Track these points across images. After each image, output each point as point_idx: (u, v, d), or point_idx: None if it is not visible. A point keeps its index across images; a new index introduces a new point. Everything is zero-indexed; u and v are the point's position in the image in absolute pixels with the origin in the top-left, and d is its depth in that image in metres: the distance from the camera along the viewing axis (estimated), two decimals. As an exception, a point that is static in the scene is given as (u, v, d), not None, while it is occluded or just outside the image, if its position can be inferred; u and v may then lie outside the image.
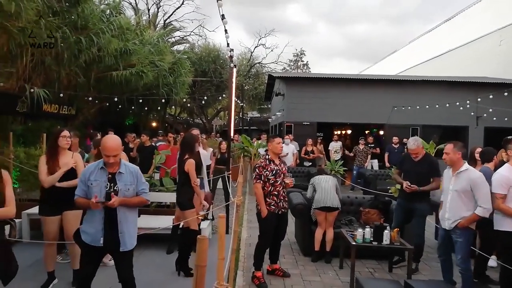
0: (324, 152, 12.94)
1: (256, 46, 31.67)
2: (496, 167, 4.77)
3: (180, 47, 27.48)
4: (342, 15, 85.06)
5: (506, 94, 11.11)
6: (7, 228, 3.18)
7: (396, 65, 28.66)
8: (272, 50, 41.19)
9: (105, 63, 11.81)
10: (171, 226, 5.26)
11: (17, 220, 3.67)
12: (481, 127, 14.29)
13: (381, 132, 16.08)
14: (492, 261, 5.32)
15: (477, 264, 4.69)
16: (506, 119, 13.19)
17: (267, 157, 4.72)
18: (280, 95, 16.23)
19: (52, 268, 4.15)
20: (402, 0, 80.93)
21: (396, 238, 4.71)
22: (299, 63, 44.49)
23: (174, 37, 27.70)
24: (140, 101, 14.15)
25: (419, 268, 5.20)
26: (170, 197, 5.95)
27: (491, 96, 11.74)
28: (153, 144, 9.02)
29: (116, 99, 13.00)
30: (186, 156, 4.63)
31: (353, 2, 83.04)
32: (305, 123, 14.48)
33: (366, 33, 79.21)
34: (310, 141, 12.30)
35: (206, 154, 5.57)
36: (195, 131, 5.46)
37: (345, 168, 11.63)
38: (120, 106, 14.79)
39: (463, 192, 4.01)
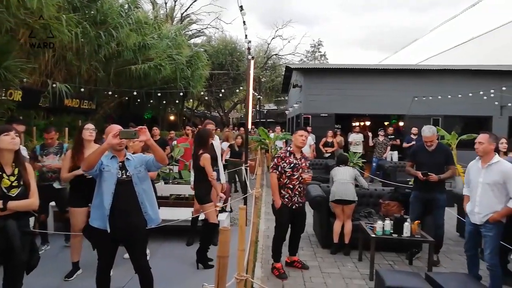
0: (343, 144, 12.81)
1: (273, 38, 31.52)
2: None
3: (197, 40, 27.58)
4: (360, 3, 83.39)
5: (532, 82, 10.74)
6: (31, 220, 3.27)
7: (417, 54, 27.97)
8: (289, 42, 40.99)
9: (124, 57, 11.96)
10: (191, 218, 5.33)
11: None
12: (505, 117, 13.86)
13: (401, 123, 15.80)
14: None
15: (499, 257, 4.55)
16: (532, 108, 12.77)
17: (288, 149, 4.71)
18: (298, 87, 16.12)
19: (77, 259, 4.28)
20: (422, -13, 78.69)
21: (417, 230, 4.65)
22: (316, 54, 43.92)
23: (191, 30, 27.81)
24: (158, 94, 14.29)
25: (440, 261, 5.12)
26: (188, 189, 6.01)
27: (516, 85, 11.37)
28: (163, 137, 9.14)
29: (135, 93, 13.16)
30: (201, 151, 4.66)
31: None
32: (323, 114, 14.36)
33: (386, 22, 77.54)
34: (330, 133, 12.21)
35: (218, 146, 5.58)
36: (210, 126, 5.47)
37: (364, 160, 11.50)
38: (138, 100, 14.98)
39: (495, 185, 3.87)
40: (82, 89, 11.42)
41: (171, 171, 6.99)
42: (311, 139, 11.74)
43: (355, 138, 12.53)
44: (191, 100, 25.64)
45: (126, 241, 3.22)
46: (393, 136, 12.38)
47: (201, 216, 4.93)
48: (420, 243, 5.20)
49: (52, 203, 5.34)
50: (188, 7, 28.11)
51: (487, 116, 13.97)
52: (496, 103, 13.49)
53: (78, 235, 4.11)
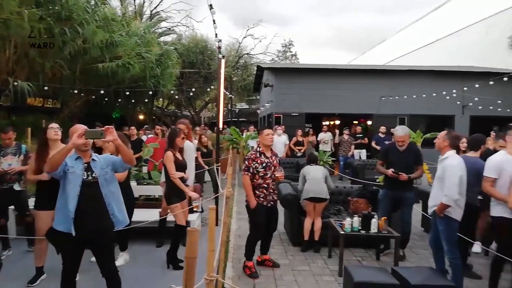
0: (316, 143, 13.01)
1: (245, 37, 31.58)
2: (483, 155, 4.85)
3: (167, 38, 27.15)
4: (330, 4, 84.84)
5: (491, 83, 11.26)
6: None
7: (384, 55, 28.79)
8: (260, 41, 41.04)
9: (91, 55, 11.62)
10: (159, 220, 5.25)
11: None
12: (466, 116, 14.50)
13: (369, 122, 16.20)
14: (477, 247, 5.45)
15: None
16: (491, 107, 13.39)
17: (257, 149, 4.72)
18: (269, 86, 16.19)
19: (41, 264, 4.13)
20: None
21: (383, 226, 4.79)
22: (287, 54, 44.32)
23: (160, 28, 27.35)
24: (127, 93, 13.98)
25: (406, 255, 5.30)
26: (158, 190, 5.92)
27: (477, 85, 11.88)
28: (140, 137, 8.95)
29: (102, 91, 12.82)
30: (166, 149, 4.61)
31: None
32: (294, 114, 14.51)
33: (354, 23, 79.25)
34: (299, 132, 12.37)
35: (192, 146, 5.52)
36: (181, 125, 5.40)
37: (334, 159, 11.73)
38: (106, 99, 14.61)
39: (440, 179, 4.09)
40: (46, 88, 11.01)
41: (140, 171, 6.86)
42: (285, 138, 11.86)
43: (323, 137, 12.78)
44: (161, 99, 25.23)
45: (93, 244, 3.14)
46: (361, 135, 12.69)
47: (171, 217, 4.86)
48: (387, 239, 5.35)
49: (11, 207, 5.12)
50: (158, 4, 27.52)
51: (450, 115, 14.56)
52: (458, 102, 14.08)
53: (43, 239, 3.96)
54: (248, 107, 33.85)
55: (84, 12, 11.30)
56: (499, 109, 13.14)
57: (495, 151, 4.89)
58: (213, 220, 2.39)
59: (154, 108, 23.91)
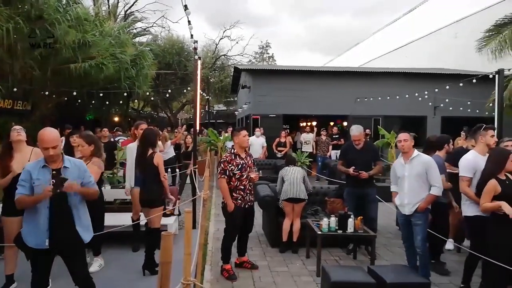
0: (293, 144, 13.14)
1: (221, 38, 31.37)
2: (455, 154, 5.01)
3: (143, 39, 26.74)
4: (306, 7, 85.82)
5: (461, 84, 11.63)
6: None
7: (359, 57, 29.34)
8: (237, 42, 41.09)
9: (63, 55, 11.29)
10: (132, 224, 5.14)
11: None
12: (438, 117, 14.95)
13: (345, 123, 16.45)
14: (450, 244, 5.61)
15: (432, 247, 4.87)
16: (461, 108, 13.85)
17: (232, 151, 4.70)
18: (246, 88, 16.21)
19: (12, 271, 3.97)
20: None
21: (360, 225, 4.86)
22: (264, 56, 44.50)
23: (135, 29, 26.90)
24: (101, 95, 13.66)
25: (381, 254, 5.39)
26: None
27: (447, 87, 12.26)
28: (112, 139, 8.77)
29: (74, 93, 12.48)
30: (151, 151, 4.51)
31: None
32: (272, 115, 14.57)
33: (330, 25, 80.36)
34: (283, 133, 12.47)
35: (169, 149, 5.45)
36: (143, 126, 5.31)
37: (311, 159, 11.84)
38: (79, 101, 14.22)
39: (419, 176, 4.22)
40: (15, 89, 10.61)
41: (115, 174, 6.71)
42: (263, 140, 11.89)
43: (306, 137, 12.93)
44: (136, 100, 24.82)
45: (63, 254, 3.04)
46: (337, 136, 12.87)
47: (144, 221, 4.76)
48: (364, 237, 5.43)
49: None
50: (132, 5, 27.03)
51: (422, 116, 14.98)
52: (430, 103, 14.50)
53: (12, 246, 3.80)
54: (225, 108, 33.77)
55: (56, 12, 10.96)
56: (468, 110, 13.60)
57: (467, 150, 5.05)
58: (190, 223, 2.36)
59: (130, 110, 23.49)
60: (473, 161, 4.14)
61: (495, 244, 3.68)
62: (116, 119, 20.94)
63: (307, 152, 12.13)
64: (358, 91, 14.68)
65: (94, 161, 4.21)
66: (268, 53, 44.61)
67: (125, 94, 15.35)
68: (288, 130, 14.49)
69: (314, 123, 20.29)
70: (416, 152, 4.35)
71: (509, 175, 3.81)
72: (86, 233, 3.09)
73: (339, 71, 15.49)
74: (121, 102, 17.30)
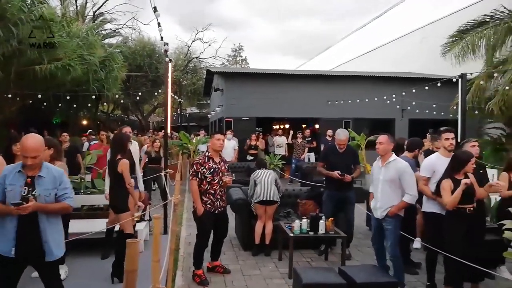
0: (265, 146, 13.19)
1: (193, 41, 31.11)
2: (424, 156, 5.19)
3: (113, 41, 26.16)
4: (278, 10, 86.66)
5: (427, 88, 12.06)
6: None
7: (330, 61, 29.87)
8: (210, 45, 40.76)
9: (27, 56, 10.86)
10: (105, 230, 5.01)
11: None
12: (406, 119, 15.41)
13: (317, 126, 16.68)
14: (417, 243, 5.78)
15: (401, 248, 5.01)
16: (427, 111, 14.32)
17: (206, 154, 4.67)
18: (219, 91, 16.15)
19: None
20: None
21: (331, 227, 4.93)
22: (237, 58, 44.57)
23: (105, 30, 26.26)
24: (68, 97, 13.22)
25: (351, 254, 5.48)
26: (102, 199, 5.65)
27: (414, 90, 12.68)
28: (75, 144, 8.54)
29: (40, 96, 12.02)
30: (119, 157, 4.41)
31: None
32: (245, 118, 14.57)
33: (302, 29, 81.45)
34: (254, 136, 12.47)
35: (136, 152, 5.35)
36: (127, 129, 5.21)
37: (284, 162, 11.92)
38: (45, 104, 13.72)
39: (392, 181, 4.22)
40: (-25, 92, 10.12)
41: (82, 180, 6.50)
42: (235, 143, 11.86)
43: (279, 140, 13.02)
44: (105, 103, 24.21)
45: (39, 263, 2.92)
46: (310, 138, 13.02)
47: (117, 227, 4.65)
48: (334, 239, 5.51)
49: None
50: (101, 5, 26.39)
51: (390, 119, 15.39)
52: (398, 106, 14.92)
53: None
54: (198, 111, 33.52)
55: (20, 11, 10.54)
56: (434, 113, 14.09)
57: (433, 151, 5.23)
58: (158, 229, 2.31)
59: (99, 113, 22.88)
60: (433, 162, 4.32)
61: (450, 240, 3.88)
62: (85, 122, 20.34)
63: (279, 154, 12.22)
64: (330, 94, 14.93)
65: (56, 166, 4.05)
66: (241, 56, 44.72)
67: (94, 96, 14.91)
68: (261, 133, 14.54)
69: (287, 126, 20.48)
70: (393, 156, 4.31)
71: (471, 176, 4.01)
72: (57, 248, 2.95)
73: (311, 75, 15.71)
74: (89, 105, 16.83)
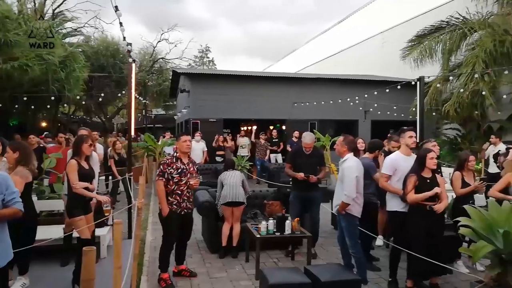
0: (234, 148, 13.17)
1: (159, 41, 30.49)
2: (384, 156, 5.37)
3: (74, 40, 25.20)
4: (244, 13, 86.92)
5: (387, 90, 12.51)
6: None
7: (296, 63, 30.31)
8: (176, 46, 40.11)
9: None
10: (63, 237, 4.81)
11: None
12: (368, 120, 15.88)
13: (284, 127, 16.86)
14: (379, 241, 5.97)
15: (363, 245, 5.15)
16: (388, 113, 14.84)
17: (174, 154, 4.62)
18: (185, 92, 15.96)
19: None
20: (300, 1, 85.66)
21: (296, 227, 5.00)
22: (204, 60, 44.30)
23: (65, 29, 25.26)
24: (25, 98, 12.62)
25: (317, 253, 5.58)
26: (62, 205, 5.45)
27: (375, 93, 13.09)
28: (41, 145, 8.17)
29: (-6, 96, 11.41)
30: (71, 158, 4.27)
31: (254, 1, 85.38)
32: (212, 119, 14.48)
33: (268, 32, 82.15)
34: (221, 138, 12.43)
35: (95, 156, 5.19)
36: (83, 131, 5.05)
37: (251, 163, 11.96)
38: (0, 105, 13.02)
39: (340, 180, 4.49)
40: None
41: (41, 184, 6.22)
42: (204, 144, 11.77)
43: (241, 141, 13.04)
44: (66, 105, 23.30)
45: None
46: (276, 140, 13.15)
47: (76, 233, 4.49)
48: (300, 239, 5.59)
49: None
50: (61, 3, 25.33)
51: (354, 120, 15.82)
52: (361, 108, 15.35)
53: None
54: (164, 112, 32.95)
55: (-30, 8, 9.98)
56: (395, 114, 14.62)
57: (390, 152, 5.44)
58: (119, 234, 2.26)
59: (59, 115, 21.99)
60: (394, 160, 4.50)
61: (413, 237, 4.06)
62: (44, 124, 19.49)
63: (245, 155, 12.26)
64: (295, 96, 15.13)
65: (16, 171, 3.85)
66: (208, 57, 44.50)
67: (54, 98, 14.33)
68: (229, 134, 14.52)
69: (255, 127, 20.56)
70: (346, 157, 4.48)
71: (438, 176, 4.22)
72: (4, 256, 2.81)
73: (278, 77, 15.87)
74: (49, 106, 16.13)
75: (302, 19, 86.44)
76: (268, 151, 12.61)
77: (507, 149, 6.44)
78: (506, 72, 10.31)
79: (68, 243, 4.85)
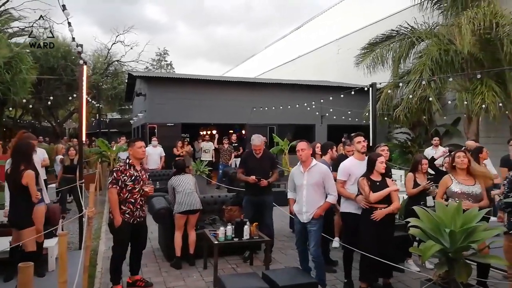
0: (192, 153, 12.99)
1: (114, 43, 29.49)
2: (336, 160, 5.50)
3: (21, 40, 23.78)
4: (203, 16, 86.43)
5: (342, 96, 12.90)
6: None
7: (255, 68, 30.53)
8: (131, 48, 39.06)
9: None
10: (9, 249, 4.49)
11: None
12: (324, 125, 16.30)
13: (243, 132, 16.88)
14: (336, 243, 6.10)
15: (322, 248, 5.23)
16: (343, 117, 15.30)
17: (127, 161, 4.45)
18: (142, 96, 15.54)
19: None
20: (259, 6, 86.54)
21: (255, 232, 4.98)
22: (162, 63, 43.43)
23: (11, 28, 23.81)
24: (-35, 102, 11.73)
25: (276, 257, 5.60)
26: (1, 216, 5.07)
27: (331, 98, 13.45)
28: None
29: None
30: (22, 167, 3.99)
31: (212, 5, 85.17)
32: (169, 124, 14.20)
33: (226, 36, 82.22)
34: (180, 143, 12.21)
35: (39, 161, 4.92)
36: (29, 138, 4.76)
37: (211, 168, 11.84)
38: None
39: (317, 185, 4.38)
40: None
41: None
42: (161, 149, 11.50)
43: (205, 146, 12.92)
44: (11, 108, 21.90)
45: None
46: (236, 144, 13.12)
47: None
48: (259, 244, 5.58)
49: None
50: (7, 1, 23.86)
51: (311, 124, 16.16)
52: (317, 113, 15.72)
53: None
54: (120, 117, 31.91)
55: None
56: (349, 119, 15.09)
57: (346, 156, 5.57)
58: (64, 247, 2.13)
59: (4, 119, 20.65)
60: (348, 166, 4.63)
61: (364, 238, 4.19)
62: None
63: (206, 160, 12.12)
64: (254, 100, 15.21)
65: None
66: (166, 61, 43.65)
67: (-3, 101, 13.43)
68: (188, 139, 14.28)
69: (214, 132, 20.42)
70: (314, 161, 4.49)
71: (388, 179, 4.37)
72: None
73: (237, 81, 15.88)
74: (-8, 110, 15.11)
75: (261, 24, 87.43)
76: (233, 155, 12.53)
77: (450, 151, 6.76)
78: (450, 79, 10.96)
79: (15, 256, 4.52)
